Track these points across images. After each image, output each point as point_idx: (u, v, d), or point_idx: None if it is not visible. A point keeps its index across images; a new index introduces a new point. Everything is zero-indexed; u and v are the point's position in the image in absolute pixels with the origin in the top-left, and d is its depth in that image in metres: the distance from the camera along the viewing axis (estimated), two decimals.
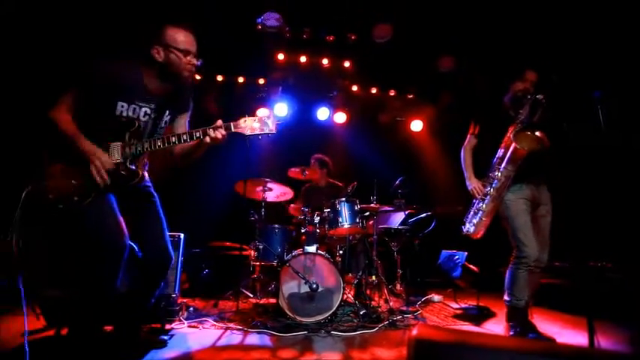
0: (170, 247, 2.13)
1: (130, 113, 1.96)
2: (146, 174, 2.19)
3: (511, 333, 2.51)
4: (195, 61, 1.99)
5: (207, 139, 1.93)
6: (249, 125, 1.97)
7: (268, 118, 1.98)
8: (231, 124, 1.97)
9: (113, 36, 3.82)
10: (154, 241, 2.09)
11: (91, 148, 1.84)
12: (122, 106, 1.93)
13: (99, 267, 1.88)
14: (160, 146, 1.95)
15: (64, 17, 3.70)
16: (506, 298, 2.57)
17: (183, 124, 2.19)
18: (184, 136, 1.95)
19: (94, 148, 1.85)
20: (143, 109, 1.99)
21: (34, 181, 1.84)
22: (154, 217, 2.12)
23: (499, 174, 2.59)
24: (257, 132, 1.97)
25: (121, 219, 1.93)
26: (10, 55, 3.53)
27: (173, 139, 1.95)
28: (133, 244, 2.04)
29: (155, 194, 2.17)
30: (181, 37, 1.95)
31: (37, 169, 1.87)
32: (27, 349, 1.73)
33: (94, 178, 1.83)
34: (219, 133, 1.93)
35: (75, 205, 1.84)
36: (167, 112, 2.10)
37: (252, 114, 2.01)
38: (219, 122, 1.97)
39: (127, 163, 1.95)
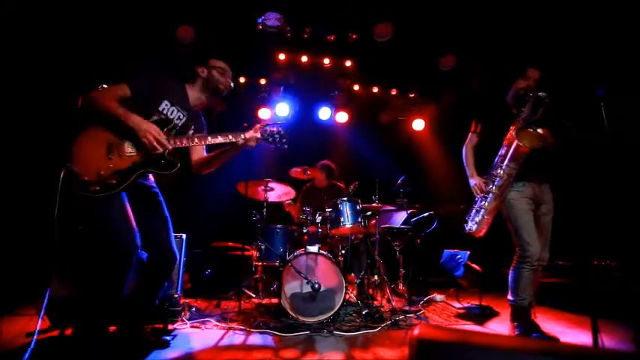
0: (175, 247, 2.22)
1: (169, 113, 2.20)
2: (151, 176, 2.26)
3: (517, 332, 2.50)
4: (229, 80, 2.39)
5: (240, 141, 2.21)
6: (271, 136, 2.30)
7: (284, 135, 2.32)
8: (260, 130, 2.27)
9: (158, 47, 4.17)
10: (160, 240, 2.16)
11: (142, 121, 2.00)
12: (166, 105, 2.19)
13: (110, 268, 1.94)
14: (196, 142, 2.20)
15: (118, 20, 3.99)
16: (510, 297, 2.56)
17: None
18: (220, 137, 2.21)
19: (145, 121, 2.01)
20: (178, 114, 2.25)
21: (67, 165, 1.90)
22: (159, 217, 2.21)
23: (501, 172, 2.58)
24: (277, 143, 2.31)
25: (132, 220, 2.01)
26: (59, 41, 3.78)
27: (209, 138, 2.20)
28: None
29: (160, 194, 2.26)
30: (222, 64, 2.38)
31: (67, 153, 1.93)
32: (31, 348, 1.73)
33: (151, 147, 1.99)
34: (248, 137, 2.22)
35: (112, 187, 1.94)
36: (192, 125, 2.35)
37: (276, 132, 2.31)
38: (258, 126, 2.28)
39: (166, 154, 2.11)
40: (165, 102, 2.18)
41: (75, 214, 2.17)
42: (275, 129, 2.30)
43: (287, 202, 4.26)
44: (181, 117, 2.26)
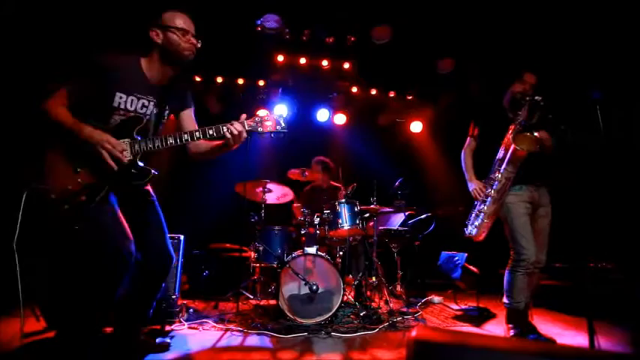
0: (171, 248, 2.10)
1: (129, 105, 1.89)
2: None
3: (511, 334, 2.51)
4: (194, 41, 1.97)
5: (228, 134, 1.89)
6: (261, 123, 1.97)
7: (280, 116, 2.01)
8: (244, 121, 1.95)
9: (109, 30, 3.78)
10: (155, 241, 2.05)
11: (94, 133, 1.75)
12: (120, 97, 1.86)
13: (103, 274, 1.83)
14: (171, 143, 1.89)
15: (57, 11, 3.66)
16: (505, 300, 2.57)
17: (190, 120, 2.14)
18: (197, 134, 1.91)
19: (98, 132, 1.76)
20: (141, 101, 1.93)
21: (34, 181, 1.77)
22: (153, 218, 2.08)
23: (499, 175, 2.60)
24: (269, 129, 1.98)
25: (126, 224, 1.87)
26: (5, 51, 3.48)
27: (185, 136, 1.90)
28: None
29: (153, 194, 2.12)
30: (179, 19, 1.95)
31: (37, 169, 1.78)
32: None
33: (107, 163, 1.75)
34: (236, 129, 1.89)
35: (82, 205, 1.76)
36: (167, 106, 2.05)
37: (265, 114, 2.01)
38: (243, 116, 1.96)
39: (137, 161, 1.88)
40: (118, 94, 1.86)
41: (55, 233, 2.00)
42: (264, 115, 1.98)
43: (295, 205, 4.25)
44: (146, 103, 1.94)
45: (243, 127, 1.93)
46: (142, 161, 1.90)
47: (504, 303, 2.58)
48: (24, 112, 3.03)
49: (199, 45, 1.99)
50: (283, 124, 1.99)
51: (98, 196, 1.79)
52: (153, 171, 1.93)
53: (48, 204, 1.74)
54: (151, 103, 1.97)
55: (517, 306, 2.50)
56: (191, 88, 2.19)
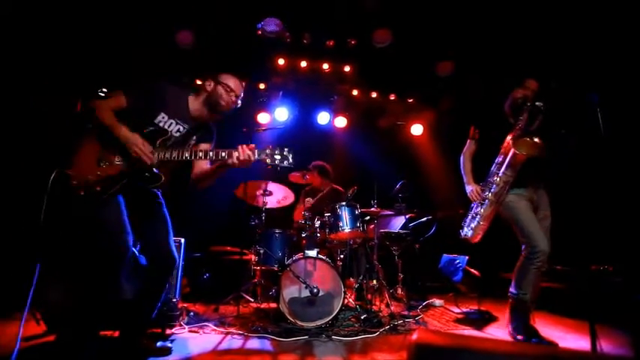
0: (174, 249, 2.20)
1: (166, 126, 2.17)
2: None
3: (513, 325, 2.52)
4: (234, 99, 2.30)
5: (234, 158, 2.07)
6: (271, 156, 2.12)
7: (289, 153, 2.15)
8: (256, 150, 2.11)
9: (167, 61, 4.16)
10: (159, 242, 2.15)
11: (129, 134, 2.02)
12: (163, 117, 2.16)
13: (101, 268, 1.95)
14: (186, 157, 2.13)
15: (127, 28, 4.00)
16: (512, 290, 2.56)
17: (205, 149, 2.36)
18: (211, 153, 2.13)
19: (133, 134, 2.02)
20: (178, 126, 2.21)
21: (59, 168, 1.98)
22: (159, 219, 2.21)
23: (498, 179, 2.61)
24: (277, 163, 2.13)
25: (127, 222, 2.02)
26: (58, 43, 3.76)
27: (200, 153, 2.13)
28: (135, 250, 2.06)
29: (161, 196, 2.27)
30: (232, 81, 2.30)
31: (65, 156, 2.01)
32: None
33: (139, 159, 2.00)
34: (245, 154, 2.06)
35: (96, 195, 1.97)
36: (195, 137, 2.31)
37: (277, 148, 2.15)
38: (252, 145, 2.11)
39: (154, 167, 2.09)
40: (162, 114, 2.15)
41: (68, 217, 2.17)
42: (275, 148, 2.13)
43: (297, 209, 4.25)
44: (181, 129, 2.23)
45: (253, 154, 2.10)
46: (156, 168, 2.12)
47: (511, 293, 2.56)
48: (67, 103, 3.18)
49: (238, 105, 2.33)
50: (291, 161, 2.15)
51: (111, 190, 2.01)
52: (164, 178, 2.15)
53: (67, 187, 1.96)
54: (185, 130, 2.25)
55: (523, 297, 2.49)
56: (216, 129, 2.43)
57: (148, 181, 2.11)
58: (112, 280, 1.97)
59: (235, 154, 2.07)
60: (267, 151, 2.11)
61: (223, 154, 2.10)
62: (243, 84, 2.35)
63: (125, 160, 2.05)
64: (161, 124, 2.16)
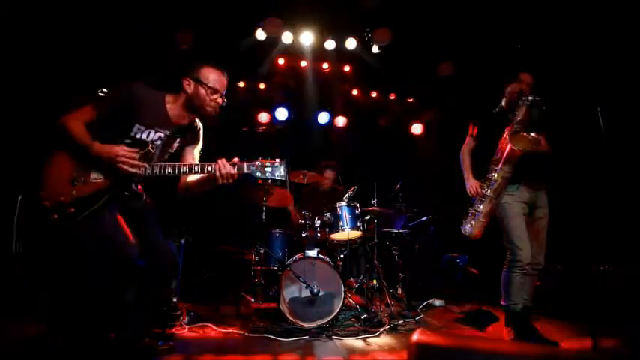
0: (175, 251, 2.15)
1: (144, 136, 1.96)
2: (139, 187, 2.12)
3: (511, 337, 2.51)
4: (220, 101, 2.06)
5: (217, 174, 1.88)
6: (261, 168, 1.93)
7: (281, 165, 1.95)
8: (245, 164, 1.93)
9: (143, 56, 3.96)
10: (158, 244, 2.04)
11: (106, 149, 1.82)
12: (138, 128, 1.94)
13: (104, 280, 1.84)
14: (169, 173, 1.93)
15: (90, 29, 3.77)
16: (502, 302, 2.57)
17: (191, 156, 2.20)
18: (195, 168, 1.93)
19: (107, 146, 1.83)
20: (158, 134, 2.00)
21: (29, 188, 1.80)
22: (151, 222, 2.08)
23: (496, 175, 2.61)
24: (267, 176, 1.94)
25: (127, 230, 1.89)
26: (20, 58, 3.52)
27: (184, 168, 1.94)
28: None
29: (147, 198, 2.11)
30: (214, 76, 2.03)
31: (35, 176, 1.82)
32: None
33: (131, 173, 1.83)
34: (230, 171, 1.89)
35: (69, 217, 1.78)
36: (178, 140, 2.11)
37: (268, 159, 1.95)
38: (236, 160, 1.93)
39: (133, 185, 1.94)
40: (137, 126, 1.93)
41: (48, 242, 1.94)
42: (265, 161, 1.93)
43: (292, 208, 4.24)
44: (162, 136, 2.01)
45: (240, 170, 1.92)
46: (138, 184, 1.97)
47: (501, 305, 2.58)
48: (29, 118, 3.06)
49: (224, 104, 2.08)
50: (283, 173, 1.95)
51: (88, 211, 1.81)
52: (144, 196, 2.01)
53: (40, 210, 1.76)
54: (166, 137, 2.03)
55: (514, 307, 2.50)
56: (202, 129, 2.24)
57: (128, 200, 1.93)
58: (116, 291, 1.88)
59: (217, 167, 1.89)
60: (257, 163, 1.93)
61: (209, 168, 1.91)
62: (226, 75, 2.09)
63: (105, 175, 1.86)
64: (138, 136, 1.95)
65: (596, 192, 3.14)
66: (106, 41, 3.92)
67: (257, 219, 3.65)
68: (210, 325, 2.86)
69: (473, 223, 2.68)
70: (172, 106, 2.04)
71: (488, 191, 2.63)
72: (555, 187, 2.72)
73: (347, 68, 5.26)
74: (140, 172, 1.86)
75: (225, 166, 1.88)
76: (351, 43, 4.70)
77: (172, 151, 2.13)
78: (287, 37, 4.56)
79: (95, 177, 1.86)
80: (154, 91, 2.02)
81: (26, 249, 1.82)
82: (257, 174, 1.93)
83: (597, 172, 2.95)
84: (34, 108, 3.19)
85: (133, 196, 1.96)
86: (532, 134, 2.57)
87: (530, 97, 2.54)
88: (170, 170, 1.93)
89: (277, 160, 1.95)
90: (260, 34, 4.48)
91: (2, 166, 3.10)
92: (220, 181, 1.90)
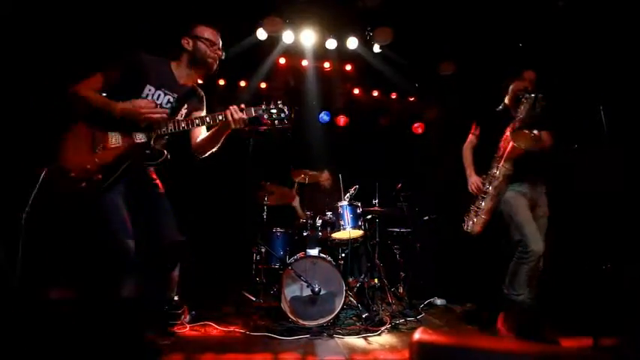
0: (180, 235, 2.10)
1: (155, 98, 2.04)
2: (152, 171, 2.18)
3: (507, 328, 2.51)
4: (219, 52, 2.19)
5: (230, 119, 2.03)
6: (267, 112, 2.10)
7: (284, 105, 2.12)
8: (252, 108, 2.08)
9: (141, 31, 3.98)
10: (166, 230, 2.06)
11: (126, 104, 1.91)
12: (149, 90, 2.03)
13: (106, 267, 1.90)
14: (183, 127, 2.04)
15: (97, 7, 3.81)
16: (505, 290, 2.57)
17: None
18: (207, 119, 2.06)
19: (129, 103, 1.91)
20: (167, 97, 2.09)
21: (52, 163, 1.87)
22: (162, 208, 2.11)
23: (497, 172, 2.61)
24: (273, 117, 2.11)
25: (127, 218, 1.92)
26: (30, 35, 3.58)
27: (197, 120, 2.06)
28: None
29: (161, 187, 2.16)
30: (208, 32, 2.18)
31: (54, 150, 1.89)
32: None
33: (157, 120, 1.94)
34: (241, 115, 2.04)
35: (97, 184, 1.86)
36: (185, 105, 2.19)
37: (272, 102, 2.11)
38: (243, 105, 2.08)
39: (152, 143, 2.01)
40: (148, 87, 2.03)
41: (66, 214, 2.08)
42: (270, 103, 2.09)
43: (297, 204, 4.25)
44: (171, 99, 2.10)
45: (248, 113, 2.07)
46: (157, 144, 2.04)
47: (504, 293, 2.57)
48: (45, 94, 3.12)
49: (223, 56, 2.21)
50: (287, 112, 2.12)
51: (114, 175, 1.90)
52: (166, 152, 2.05)
53: (68, 181, 1.84)
54: (175, 100, 2.12)
55: (515, 298, 2.49)
56: (204, 95, 2.34)
57: (150, 158, 2.01)
58: (117, 277, 1.89)
59: (229, 113, 2.03)
60: (263, 107, 2.09)
61: (220, 117, 2.05)
62: (217, 30, 2.22)
63: (123, 138, 1.94)
64: (148, 98, 2.03)
65: (596, 191, 3.13)
66: (106, 41, 3.92)
67: (258, 218, 3.65)
68: (211, 323, 2.87)
69: (475, 219, 2.70)
70: (177, 67, 2.17)
71: (490, 188, 2.64)
72: (557, 185, 2.71)
73: (348, 67, 5.25)
74: (164, 117, 1.96)
75: (236, 111, 2.04)
76: (352, 43, 4.70)
77: (179, 116, 2.19)
78: (288, 37, 4.56)
79: (114, 142, 1.94)
80: (157, 57, 2.15)
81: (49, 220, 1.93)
82: (264, 116, 2.10)
83: (597, 171, 2.94)
84: (46, 88, 3.24)
85: (155, 154, 2.02)
86: (534, 132, 2.57)
87: (533, 95, 2.54)
88: (184, 125, 2.04)
89: (280, 102, 2.12)
90: (261, 34, 4.47)
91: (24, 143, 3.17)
92: (233, 126, 2.05)
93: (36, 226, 1.98)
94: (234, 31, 4.41)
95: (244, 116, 2.05)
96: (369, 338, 2.63)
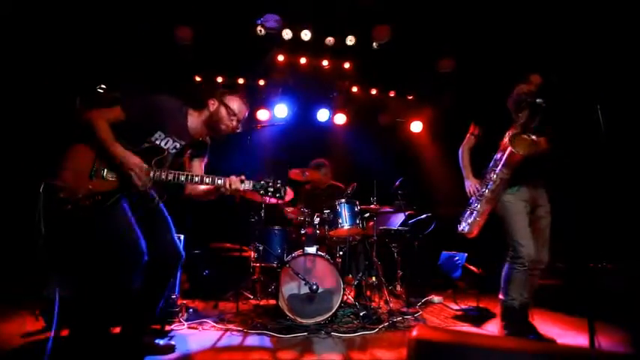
0: (179, 245, 2.19)
1: (163, 143, 2.11)
2: None
3: (504, 332, 2.52)
4: (236, 125, 2.26)
5: (227, 187, 2.11)
6: (264, 188, 2.20)
7: (282, 186, 2.22)
8: (252, 182, 2.17)
9: (143, 54, 4.09)
10: (164, 239, 2.13)
11: (127, 154, 1.94)
12: (159, 135, 2.09)
13: (114, 275, 1.89)
14: (181, 180, 2.09)
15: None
16: (500, 297, 2.58)
17: (200, 168, 2.39)
18: (207, 179, 2.12)
19: (129, 154, 1.95)
20: (175, 144, 2.16)
21: (48, 178, 1.87)
22: (160, 216, 2.18)
23: (494, 176, 2.60)
24: (269, 195, 2.21)
25: (136, 227, 1.95)
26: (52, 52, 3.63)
27: (197, 178, 2.12)
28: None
29: (155, 195, 2.20)
30: (237, 105, 2.25)
31: (52, 167, 1.89)
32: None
33: (135, 184, 1.94)
34: (238, 187, 2.12)
35: (83, 209, 1.86)
36: (189, 151, 2.30)
37: (271, 181, 2.22)
38: (243, 177, 2.15)
39: (147, 187, 2.04)
40: (159, 132, 2.09)
41: (70, 229, 2.04)
42: (269, 182, 2.20)
43: (290, 209, 4.23)
44: (177, 146, 2.17)
45: (246, 187, 2.16)
46: (150, 188, 2.09)
47: (500, 299, 2.58)
48: (52, 110, 3.12)
49: (239, 130, 2.29)
50: (283, 194, 2.22)
51: (101, 206, 1.91)
52: (157, 199, 2.15)
53: (56, 200, 1.84)
54: (181, 147, 2.20)
55: (512, 303, 2.50)
56: (209, 146, 2.43)
57: (142, 202, 2.07)
58: (124, 286, 1.92)
59: (227, 181, 2.11)
60: (262, 183, 2.19)
61: (219, 181, 2.11)
62: (247, 108, 2.30)
63: (119, 175, 1.96)
64: (157, 142, 2.10)
65: (596, 190, 3.14)
66: (106, 39, 3.91)
67: (256, 216, 3.65)
68: (209, 321, 2.86)
69: (470, 221, 2.68)
70: (193, 120, 2.22)
71: (487, 191, 2.63)
72: (556, 185, 2.71)
73: (347, 65, 5.24)
74: (142, 187, 1.97)
75: (235, 183, 2.11)
76: (350, 40, 4.69)
77: (181, 160, 2.29)
78: (287, 34, 4.54)
79: (111, 175, 1.96)
80: (179, 104, 2.21)
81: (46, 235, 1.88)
82: (261, 192, 2.20)
83: (598, 170, 2.95)
84: (54, 101, 3.25)
85: (144, 197, 2.08)
86: (533, 137, 2.56)
87: (535, 100, 2.53)
88: (183, 178, 2.09)
89: (279, 183, 2.22)
90: (259, 31, 4.45)
91: (26, 152, 3.20)
92: (228, 193, 2.13)
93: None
94: (233, 28, 4.40)
95: (241, 189, 2.13)
96: (367, 336, 2.63)
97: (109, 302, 1.91)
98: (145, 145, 2.06)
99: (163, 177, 2.05)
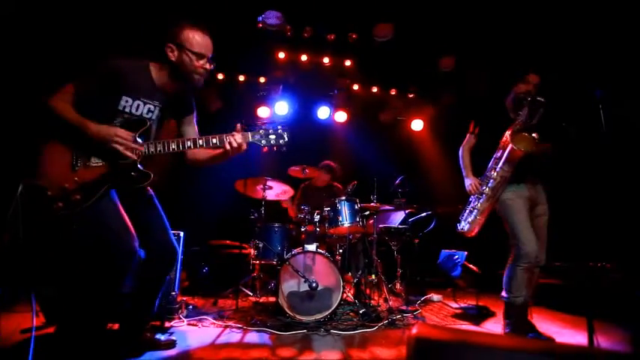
0: (174, 241, 2.09)
1: (134, 110, 1.89)
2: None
3: (507, 330, 2.52)
4: (207, 66, 1.97)
5: (227, 146, 1.89)
6: (265, 136, 1.98)
7: (284, 130, 1.99)
8: (249, 133, 1.95)
9: (124, 28, 3.80)
10: (159, 236, 2.03)
11: (101, 128, 1.74)
12: (126, 101, 1.86)
13: (106, 271, 1.82)
14: (173, 149, 1.88)
15: (70, 9, 3.64)
16: (503, 294, 2.58)
17: (192, 126, 2.16)
18: (200, 141, 1.90)
19: (104, 127, 1.75)
20: (147, 106, 1.92)
21: (28, 177, 1.73)
22: (154, 212, 2.07)
23: (495, 174, 2.60)
24: (272, 143, 1.98)
25: (128, 220, 1.86)
26: (6, 47, 3.43)
27: (188, 143, 1.89)
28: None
29: (150, 190, 2.11)
30: (198, 40, 1.92)
31: (32, 165, 1.75)
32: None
33: (126, 156, 1.77)
34: (237, 141, 1.90)
35: (76, 204, 1.74)
36: (171, 113, 2.08)
37: (271, 127, 2.00)
38: (238, 127, 1.94)
39: (138, 164, 1.88)
40: (125, 98, 1.85)
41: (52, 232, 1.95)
42: (269, 128, 1.97)
43: (285, 200, 4.25)
44: (152, 108, 1.93)
45: (245, 139, 1.94)
46: (141, 164, 1.90)
47: (502, 297, 2.59)
48: (20, 106, 3.02)
49: (212, 68, 1.99)
50: (286, 139, 1.99)
51: (94, 196, 1.77)
52: (152, 175, 1.92)
53: (43, 200, 1.71)
54: (157, 109, 1.97)
55: (514, 300, 2.50)
56: (194, 94, 2.18)
57: (134, 181, 1.87)
58: (117, 280, 1.85)
59: (227, 140, 1.89)
60: (262, 132, 1.96)
61: (214, 140, 1.90)
62: (210, 37, 1.96)
63: (105, 158, 1.79)
64: (127, 110, 1.86)
65: (596, 189, 3.14)
66: (102, 32, 3.87)
67: (256, 213, 3.65)
68: (208, 318, 2.87)
69: (470, 220, 2.69)
70: (158, 74, 1.96)
71: (487, 189, 2.63)
72: (555, 184, 2.71)
73: (348, 63, 5.23)
74: (134, 156, 1.80)
75: (238, 138, 1.90)
76: (352, 38, 4.67)
77: (166, 123, 2.07)
78: (288, 31, 4.53)
79: (95, 160, 1.81)
80: (136, 60, 1.94)
81: (27, 239, 1.76)
82: (262, 142, 1.97)
83: (598, 169, 2.95)
84: (26, 98, 3.14)
85: (140, 176, 1.89)
86: (533, 135, 2.56)
87: (535, 98, 2.53)
88: (174, 146, 1.88)
89: (280, 127, 1.98)
90: (260, 28, 4.44)
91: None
92: (230, 154, 1.92)
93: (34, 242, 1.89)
94: (234, 25, 4.38)
95: (242, 143, 1.92)
96: (366, 334, 2.63)
97: (102, 298, 1.84)
98: (119, 119, 1.85)
99: (152, 149, 1.85)
